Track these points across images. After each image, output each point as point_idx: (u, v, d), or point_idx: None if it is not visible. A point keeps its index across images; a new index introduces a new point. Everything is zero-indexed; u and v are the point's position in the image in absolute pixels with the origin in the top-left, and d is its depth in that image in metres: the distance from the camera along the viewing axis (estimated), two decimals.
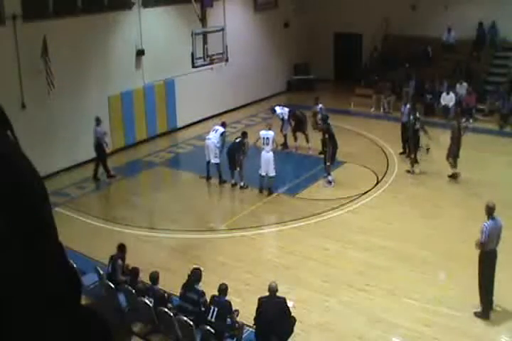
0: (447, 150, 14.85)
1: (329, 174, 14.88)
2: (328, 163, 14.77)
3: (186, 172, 16.85)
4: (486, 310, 9.32)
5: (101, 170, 15.54)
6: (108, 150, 15.94)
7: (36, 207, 0.80)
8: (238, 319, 8.71)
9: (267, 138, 14.30)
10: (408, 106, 16.69)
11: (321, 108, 17.33)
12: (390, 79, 21.99)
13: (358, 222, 12.88)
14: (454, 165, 14.83)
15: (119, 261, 9.76)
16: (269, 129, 14.59)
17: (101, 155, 15.52)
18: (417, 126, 15.28)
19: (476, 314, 9.34)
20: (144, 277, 9.37)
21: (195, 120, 20.37)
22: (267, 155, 14.27)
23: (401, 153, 16.89)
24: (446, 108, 20.33)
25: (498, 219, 9.28)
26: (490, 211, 9.26)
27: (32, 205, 0.79)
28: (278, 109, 17.56)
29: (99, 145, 15.32)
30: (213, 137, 15.13)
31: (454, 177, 14.91)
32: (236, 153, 14.56)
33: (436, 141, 16.14)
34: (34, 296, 0.77)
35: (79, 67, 16.18)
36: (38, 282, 0.78)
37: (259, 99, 23.41)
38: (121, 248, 9.90)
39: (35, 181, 0.81)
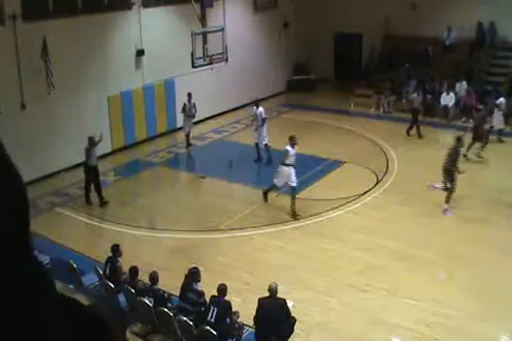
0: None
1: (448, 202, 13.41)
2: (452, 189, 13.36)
3: (186, 172, 16.85)
4: None
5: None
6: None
7: (17, 209, 0.80)
8: (238, 319, 8.70)
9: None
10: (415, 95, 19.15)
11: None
12: (390, 79, 21.99)
13: (358, 222, 12.87)
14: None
15: (119, 263, 9.74)
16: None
17: (97, 177, 14.12)
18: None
19: None
20: (144, 277, 9.37)
21: (194, 120, 20.32)
22: None
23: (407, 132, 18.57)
24: (446, 108, 20.35)
25: None
26: None
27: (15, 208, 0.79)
28: (260, 108, 16.91)
29: (94, 167, 14.04)
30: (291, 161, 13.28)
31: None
32: None
33: (436, 141, 16.15)
34: (35, 296, 0.77)
35: (79, 67, 16.17)
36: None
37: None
38: (117, 249, 9.87)
39: (16, 184, 0.80)
